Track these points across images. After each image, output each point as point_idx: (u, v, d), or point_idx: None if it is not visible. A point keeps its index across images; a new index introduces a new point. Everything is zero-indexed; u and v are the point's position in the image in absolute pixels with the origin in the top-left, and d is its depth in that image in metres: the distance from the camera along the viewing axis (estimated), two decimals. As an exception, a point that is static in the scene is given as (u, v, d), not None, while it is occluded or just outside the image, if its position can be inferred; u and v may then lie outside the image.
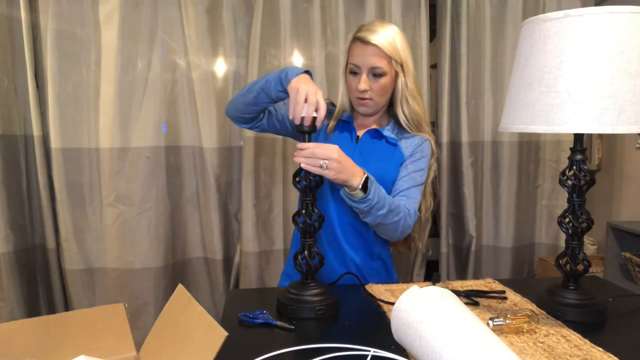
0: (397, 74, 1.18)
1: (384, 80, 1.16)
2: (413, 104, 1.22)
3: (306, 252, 0.99)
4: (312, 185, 0.99)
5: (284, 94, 1.09)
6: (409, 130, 1.24)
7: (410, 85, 1.20)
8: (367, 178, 1.04)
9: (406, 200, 1.17)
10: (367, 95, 1.17)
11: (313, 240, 0.99)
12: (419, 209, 1.24)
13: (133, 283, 1.96)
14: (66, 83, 1.86)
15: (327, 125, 1.27)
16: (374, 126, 1.26)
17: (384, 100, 1.21)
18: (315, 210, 0.99)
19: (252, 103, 1.18)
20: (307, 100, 0.99)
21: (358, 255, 1.23)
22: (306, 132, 0.99)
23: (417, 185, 1.20)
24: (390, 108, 1.26)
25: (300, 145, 0.98)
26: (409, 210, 1.16)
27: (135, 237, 1.95)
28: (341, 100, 1.25)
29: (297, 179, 1.00)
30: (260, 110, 1.21)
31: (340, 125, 1.27)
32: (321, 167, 0.97)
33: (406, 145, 1.23)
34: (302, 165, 0.97)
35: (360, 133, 1.25)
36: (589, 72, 0.83)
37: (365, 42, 1.14)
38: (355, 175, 1.03)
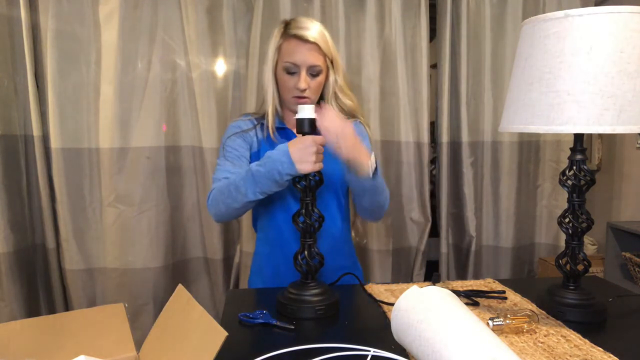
0: (328, 70, 1.18)
1: (320, 78, 1.17)
2: (344, 99, 1.22)
3: (306, 252, 0.99)
4: (312, 185, 0.99)
5: (289, 180, 1.02)
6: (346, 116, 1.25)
7: (340, 81, 1.21)
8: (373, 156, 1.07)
9: None
10: (306, 94, 1.16)
11: (313, 240, 0.99)
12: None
13: (133, 283, 1.96)
14: (66, 83, 1.86)
15: (263, 137, 1.21)
16: None
17: (317, 96, 1.21)
18: (315, 210, 0.99)
19: (247, 206, 1.10)
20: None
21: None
22: (306, 133, 0.99)
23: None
24: (318, 103, 1.24)
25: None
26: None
27: (135, 237, 1.95)
28: (273, 104, 1.20)
29: (297, 179, 1.00)
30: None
31: (278, 133, 1.22)
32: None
33: None
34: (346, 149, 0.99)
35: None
36: (589, 72, 0.83)
37: (304, 40, 1.12)
38: (364, 154, 1.04)
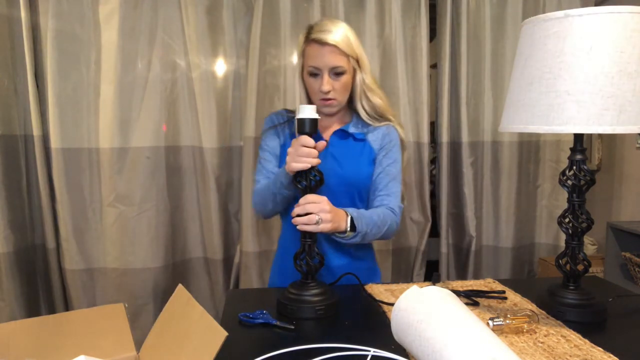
0: (354, 70, 1.19)
1: (344, 79, 1.17)
2: (373, 97, 1.22)
3: (306, 252, 0.99)
4: (312, 185, 0.99)
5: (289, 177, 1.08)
6: (372, 122, 1.24)
7: (368, 80, 1.21)
8: (351, 218, 1.07)
9: (387, 199, 1.20)
10: (330, 95, 1.17)
11: (313, 240, 0.99)
12: (402, 199, 1.26)
13: (133, 283, 1.96)
14: (66, 83, 1.86)
15: (291, 134, 1.26)
16: (338, 125, 1.25)
17: (345, 97, 1.21)
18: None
19: (280, 202, 1.18)
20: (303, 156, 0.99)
21: (339, 259, 1.23)
22: (306, 133, 0.99)
23: (394, 178, 1.22)
24: (350, 103, 1.26)
25: (294, 211, 1.00)
26: (393, 210, 1.19)
27: (135, 237, 1.96)
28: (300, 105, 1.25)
29: (298, 179, 1.00)
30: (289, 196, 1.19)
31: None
32: (317, 223, 0.98)
33: (374, 138, 1.23)
34: (299, 227, 0.99)
35: (326, 136, 1.24)
36: (589, 72, 0.83)
37: (322, 43, 1.13)
38: (341, 218, 1.06)
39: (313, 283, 0.99)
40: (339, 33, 1.14)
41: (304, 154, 0.99)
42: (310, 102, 1.23)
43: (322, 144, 1.01)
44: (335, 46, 1.13)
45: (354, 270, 1.19)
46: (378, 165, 1.22)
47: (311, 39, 1.15)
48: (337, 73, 1.15)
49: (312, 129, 0.99)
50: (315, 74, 1.16)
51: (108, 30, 1.87)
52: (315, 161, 0.99)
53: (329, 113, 1.22)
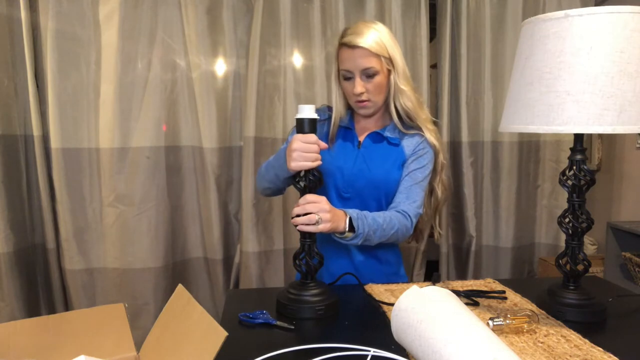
0: (389, 71, 1.18)
1: (378, 79, 1.17)
2: (403, 99, 1.22)
3: (306, 252, 0.99)
4: (311, 186, 0.99)
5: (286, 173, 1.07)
6: (408, 123, 1.24)
7: (400, 81, 1.20)
8: (349, 218, 1.06)
9: (405, 202, 1.18)
10: (364, 97, 1.18)
11: (313, 240, 0.99)
12: (424, 204, 1.25)
13: (133, 283, 1.96)
14: (66, 83, 1.86)
15: (327, 132, 1.26)
16: (375, 128, 1.25)
17: (381, 98, 1.20)
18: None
19: (277, 180, 1.17)
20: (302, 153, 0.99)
21: (361, 255, 1.23)
22: (305, 133, 0.98)
23: (418, 183, 1.21)
24: (386, 105, 1.25)
25: (293, 211, 0.99)
26: (406, 214, 1.17)
27: (135, 237, 1.96)
28: (336, 107, 1.24)
29: (297, 179, 1.00)
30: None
31: (341, 132, 1.27)
32: (317, 223, 0.98)
33: (408, 144, 1.23)
34: (299, 228, 0.98)
35: (361, 138, 1.25)
36: (589, 72, 0.83)
37: (352, 47, 1.14)
38: (340, 218, 1.05)
39: (313, 283, 0.99)
40: (370, 35, 1.14)
41: (307, 150, 0.98)
42: (348, 105, 1.25)
43: (322, 143, 1.01)
44: (364, 48, 1.13)
45: (378, 272, 1.20)
46: (405, 169, 1.22)
47: (342, 42, 1.17)
48: (369, 75, 1.16)
49: (311, 129, 0.99)
50: (348, 77, 1.17)
51: (108, 30, 1.87)
52: (317, 162, 0.99)
53: (365, 114, 1.23)
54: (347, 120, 1.26)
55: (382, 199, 1.21)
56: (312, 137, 0.99)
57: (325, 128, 1.27)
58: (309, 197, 1.00)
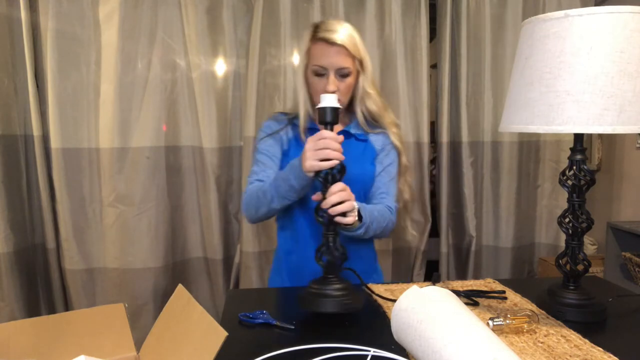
0: (357, 72, 1.18)
1: (349, 80, 1.16)
2: (369, 102, 1.21)
3: (331, 245, 0.94)
4: (335, 175, 0.96)
5: (305, 179, 1.04)
6: (372, 124, 1.24)
7: (368, 84, 1.19)
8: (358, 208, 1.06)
9: (387, 197, 1.21)
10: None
11: (336, 233, 0.96)
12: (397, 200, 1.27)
13: (133, 283, 1.97)
14: (66, 83, 1.86)
15: (295, 136, 1.23)
16: (338, 127, 1.23)
17: (348, 99, 1.20)
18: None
19: (274, 210, 1.14)
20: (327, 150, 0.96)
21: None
22: (328, 123, 0.96)
23: (392, 178, 1.23)
24: (349, 106, 1.24)
25: (328, 201, 0.95)
26: (391, 209, 1.19)
27: (135, 237, 1.96)
28: (305, 106, 1.20)
29: (321, 174, 0.98)
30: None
31: (309, 133, 1.20)
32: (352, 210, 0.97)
33: (375, 139, 1.24)
34: (338, 219, 0.94)
35: None
36: (589, 72, 0.83)
37: (331, 43, 1.12)
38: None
39: (335, 278, 0.95)
40: (346, 33, 1.13)
41: (329, 147, 0.95)
42: (313, 102, 1.21)
43: (339, 137, 0.98)
44: (343, 46, 1.12)
45: (355, 268, 1.19)
46: (379, 164, 1.23)
47: (319, 37, 1.13)
48: (342, 74, 1.15)
49: (333, 118, 0.95)
50: (320, 73, 1.15)
51: (108, 31, 1.87)
52: (340, 156, 0.96)
53: None
54: (310, 121, 1.22)
55: (362, 195, 1.21)
56: (329, 132, 0.96)
57: (290, 133, 1.24)
58: (338, 186, 0.97)
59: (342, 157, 0.97)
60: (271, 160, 1.22)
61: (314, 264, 1.14)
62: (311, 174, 1.00)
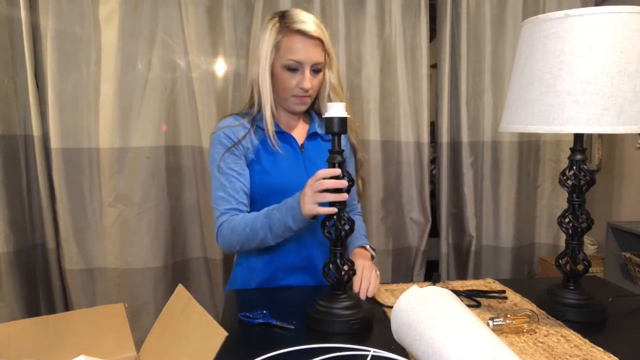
0: (325, 67, 1.12)
1: (321, 75, 1.10)
2: (340, 96, 1.16)
3: (338, 260, 0.91)
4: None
5: (304, 221, 0.98)
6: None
7: (334, 80, 1.14)
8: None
9: (355, 203, 1.28)
10: (310, 93, 1.09)
11: (344, 247, 0.92)
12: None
13: (133, 283, 1.96)
14: (66, 83, 1.86)
15: (263, 139, 1.13)
16: (302, 125, 1.19)
17: (315, 95, 1.14)
18: (345, 214, 0.91)
19: (270, 245, 1.07)
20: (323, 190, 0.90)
21: (316, 249, 1.19)
22: (336, 133, 0.89)
23: (355, 181, 1.23)
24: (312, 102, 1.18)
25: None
26: (361, 213, 1.28)
27: (135, 237, 1.95)
28: (268, 105, 1.10)
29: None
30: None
31: (277, 137, 1.13)
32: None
33: None
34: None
35: (300, 138, 1.17)
36: (589, 72, 0.83)
37: (308, 36, 1.04)
38: (367, 257, 1.15)
39: (344, 295, 0.92)
40: (317, 25, 1.06)
41: (328, 188, 0.87)
42: (276, 97, 1.12)
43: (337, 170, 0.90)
44: (319, 39, 1.05)
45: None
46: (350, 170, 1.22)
47: (294, 29, 1.04)
48: (316, 70, 1.08)
49: (341, 128, 0.88)
50: (294, 68, 1.06)
51: (108, 31, 1.87)
52: (341, 197, 0.89)
53: (300, 111, 1.15)
54: (273, 121, 1.12)
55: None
56: (330, 170, 0.89)
57: (255, 140, 1.13)
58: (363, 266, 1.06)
59: (344, 197, 0.90)
60: (238, 182, 1.10)
61: (288, 256, 1.13)
62: (310, 217, 0.95)
